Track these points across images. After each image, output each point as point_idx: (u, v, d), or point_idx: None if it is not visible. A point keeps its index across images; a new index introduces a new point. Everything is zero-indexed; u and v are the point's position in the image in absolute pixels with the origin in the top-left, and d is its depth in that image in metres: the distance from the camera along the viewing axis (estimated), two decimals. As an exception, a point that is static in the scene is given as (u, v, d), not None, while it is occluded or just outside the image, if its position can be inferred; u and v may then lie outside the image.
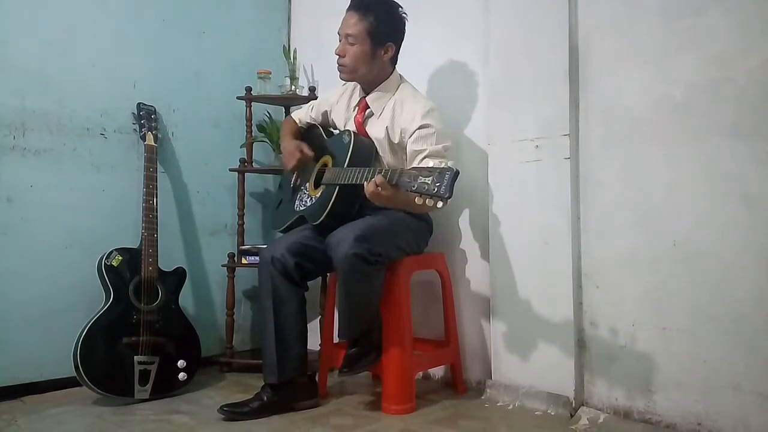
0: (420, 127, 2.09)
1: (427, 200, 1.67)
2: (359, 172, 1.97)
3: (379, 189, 1.83)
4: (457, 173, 1.65)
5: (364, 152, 2.14)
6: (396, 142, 2.17)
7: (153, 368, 2.25)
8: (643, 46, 2.00)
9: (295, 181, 2.40)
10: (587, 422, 1.99)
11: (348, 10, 2.18)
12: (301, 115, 2.50)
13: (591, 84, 2.12)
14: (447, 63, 2.54)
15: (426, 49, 2.58)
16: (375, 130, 2.22)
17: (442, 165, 1.69)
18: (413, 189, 1.69)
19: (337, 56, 2.20)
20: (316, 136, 2.42)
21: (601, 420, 2.00)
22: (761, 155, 1.76)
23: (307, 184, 2.30)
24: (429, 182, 1.66)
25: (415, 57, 2.57)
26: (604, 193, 2.08)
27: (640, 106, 2.00)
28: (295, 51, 2.90)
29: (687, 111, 1.90)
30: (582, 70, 2.14)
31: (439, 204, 1.66)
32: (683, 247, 1.90)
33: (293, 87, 2.82)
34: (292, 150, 2.32)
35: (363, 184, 1.90)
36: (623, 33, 2.05)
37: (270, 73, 2.82)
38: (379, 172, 1.86)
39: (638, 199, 2.00)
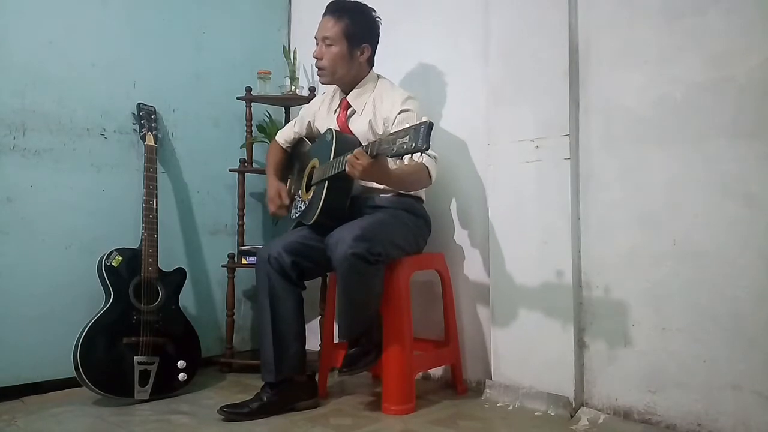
0: (401, 112, 2.15)
1: (410, 159, 1.70)
2: (343, 159, 1.98)
3: (358, 160, 1.85)
4: (431, 124, 1.65)
5: (348, 144, 2.15)
6: (380, 133, 2.20)
7: (153, 368, 2.25)
8: (644, 46, 2.00)
9: (289, 191, 2.41)
10: (587, 423, 1.99)
11: (324, 15, 2.26)
12: (286, 134, 2.53)
13: (591, 84, 2.12)
14: (447, 63, 2.54)
15: (426, 49, 2.58)
16: (358, 125, 2.26)
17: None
18: (393, 153, 1.72)
19: (316, 59, 2.27)
20: (303, 150, 2.45)
21: (601, 420, 2.00)
22: (761, 154, 1.76)
23: (300, 192, 2.31)
24: (407, 141, 1.67)
25: (415, 57, 2.59)
26: (604, 193, 2.08)
27: (641, 105, 2.00)
28: (295, 51, 2.90)
29: (687, 110, 1.90)
30: (582, 70, 2.13)
31: (418, 157, 1.72)
32: (683, 246, 1.90)
33: (293, 87, 2.83)
34: (272, 196, 2.38)
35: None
36: (623, 32, 2.04)
37: (270, 74, 2.83)
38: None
39: (638, 199, 2.00)
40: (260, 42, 3.05)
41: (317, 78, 2.94)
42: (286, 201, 2.35)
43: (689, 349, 1.87)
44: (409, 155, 1.71)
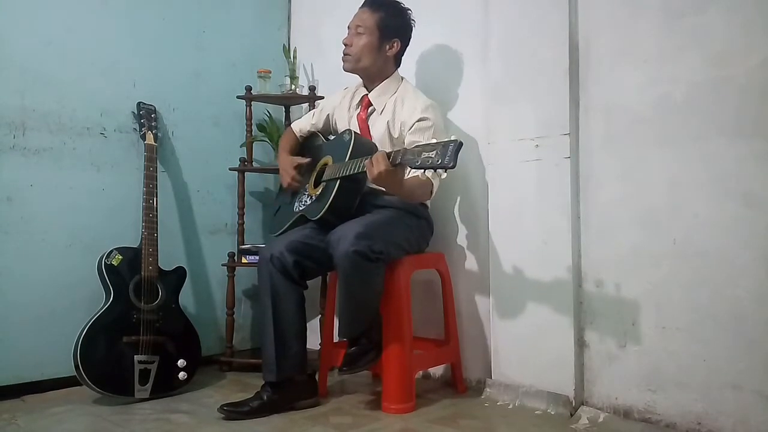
0: (419, 120, 2.15)
1: (431, 175, 1.70)
2: (360, 161, 1.97)
3: (377, 163, 1.84)
4: (460, 144, 1.66)
5: (366, 148, 2.15)
6: (396, 136, 2.21)
7: (153, 367, 2.25)
8: (644, 45, 2.00)
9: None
10: (587, 421, 1.99)
11: (360, 7, 2.28)
12: (302, 124, 2.53)
13: (591, 83, 2.12)
14: (447, 62, 2.54)
15: (426, 48, 2.58)
16: (377, 125, 2.26)
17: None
18: (417, 165, 1.72)
19: (344, 46, 2.27)
20: (316, 144, 2.44)
21: (601, 419, 2.00)
22: (762, 154, 1.76)
23: (307, 186, 2.31)
24: (433, 155, 1.68)
25: (415, 55, 2.58)
26: (604, 193, 2.08)
27: (641, 104, 2.00)
28: (295, 50, 2.89)
29: (687, 110, 1.90)
30: (582, 69, 2.13)
31: (443, 175, 1.70)
32: (683, 246, 1.90)
33: (293, 86, 2.82)
34: (286, 167, 2.37)
35: (365, 173, 1.92)
36: (624, 31, 2.04)
37: (270, 73, 2.82)
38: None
39: (638, 198, 2.00)
40: (260, 41, 3.04)
41: (317, 77, 2.98)
42: (299, 177, 2.34)
43: (689, 349, 1.87)
44: (433, 170, 1.70)
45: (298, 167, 2.35)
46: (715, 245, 1.84)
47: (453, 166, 1.64)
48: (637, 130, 2.01)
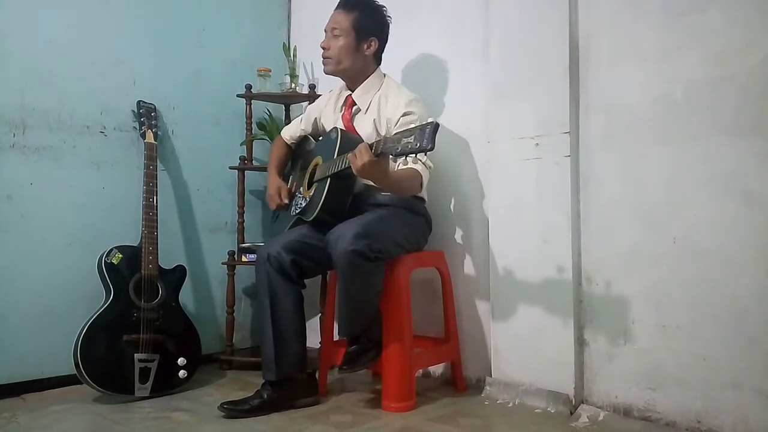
0: (404, 114, 2.15)
1: (413, 161, 1.71)
2: (345, 156, 1.97)
3: (361, 155, 1.83)
4: (437, 125, 1.66)
5: (353, 144, 2.14)
6: (383, 133, 2.20)
7: (153, 366, 2.25)
8: (644, 44, 2.00)
9: (291, 187, 2.41)
10: (587, 420, 1.99)
11: (335, 9, 2.28)
12: (291, 130, 2.54)
13: (591, 81, 2.12)
14: (447, 60, 2.53)
15: (425, 46, 2.58)
16: (363, 125, 2.26)
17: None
18: (398, 152, 1.72)
19: (322, 50, 2.27)
20: (308, 147, 2.45)
21: (600, 418, 2.00)
22: (762, 152, 1.76)
23: (302, 189, 2.31)
24: (412, 140, 1.68)
25: (414, 54, 2.59)
26: (604, 191, 2.08)
27: (641, 103, 2.00)
28: (295, 48, 2.89)
29: (688, 108, 1.90)
30: (582, 68, 2.13)
31: (423, 158, 1.72)
32: (683, 244, 1.90)
33: (293, 85, 2.82)
34: (272, 194, 2.37)
35: (351, 167, 1.91)
36: (624, 30, 2.04)
37: (270, 71, 2.82)
38: None
39: (639, 197, 2.00)
40: (260, 39, 3.04)
41: (317, 75, 2.98)
42: (285, 200, 2.34)
43: (689, 347, 1.88)
44: (414, 155, 1.70)
45: (281, 202, 2.34)
46: (715, 244, 1.84)
47: (431, 148, 1.64)
48: (638, 129, 2.01)
